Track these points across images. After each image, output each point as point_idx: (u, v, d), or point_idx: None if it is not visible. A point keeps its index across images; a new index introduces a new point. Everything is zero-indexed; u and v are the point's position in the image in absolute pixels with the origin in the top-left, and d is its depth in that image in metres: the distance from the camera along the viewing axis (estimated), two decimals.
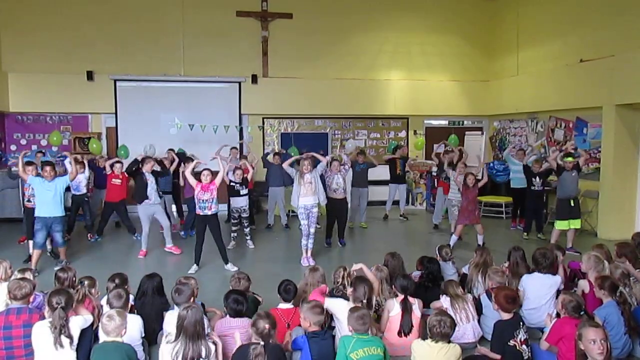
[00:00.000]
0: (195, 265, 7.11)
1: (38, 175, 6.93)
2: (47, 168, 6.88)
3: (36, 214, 6.90)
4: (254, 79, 11.96)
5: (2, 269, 4.85)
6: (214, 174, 7.10)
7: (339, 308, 4.26)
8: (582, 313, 4.27)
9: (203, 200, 6.99)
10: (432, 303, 4.94)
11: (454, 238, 8.04)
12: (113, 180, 8.65)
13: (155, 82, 11.65)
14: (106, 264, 7.29)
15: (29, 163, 7.08)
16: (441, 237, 9.00)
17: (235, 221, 8.48)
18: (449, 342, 3.79)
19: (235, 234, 8.50)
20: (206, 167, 7.42)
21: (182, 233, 9.21)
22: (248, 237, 8.57)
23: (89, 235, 8.92)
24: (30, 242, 7.19)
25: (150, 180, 7.91)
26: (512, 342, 4.04)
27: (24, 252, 7.56)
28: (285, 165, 7.74)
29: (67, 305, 3.83)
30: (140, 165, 8.04)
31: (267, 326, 3.65)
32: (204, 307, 4.83)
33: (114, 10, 11.43)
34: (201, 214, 7.04)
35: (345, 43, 12.41)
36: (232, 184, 8.29)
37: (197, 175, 7.19)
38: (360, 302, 4.40)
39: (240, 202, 8.36)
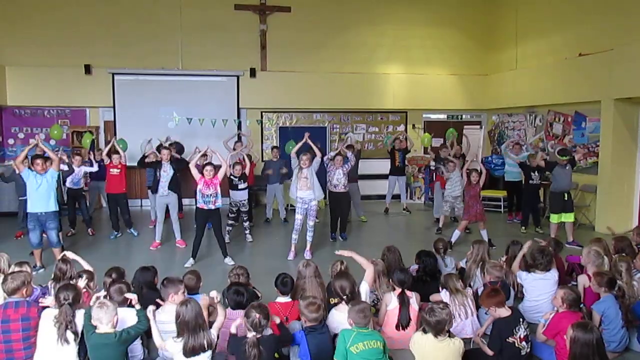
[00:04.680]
0: (191, 259, 7.11)
1: (30, 168, 6.76)
2: (38, 161, 6.61)
3: (28, 209, 6.71)
4: (252, 72, 11.92)
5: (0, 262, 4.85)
6: (217, 168, 7.11)
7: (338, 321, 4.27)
8: (581, 306, 4.29)
9: (207, 195, 7.00)
10: (432, 296, 4.94)
11: (456, 233, 8.04)
12: (111, 170, 8.55)
13: (153, 76, 11.62)
14: (108, 257, 7.26)
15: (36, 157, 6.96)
16: (442, 230, 9.02)
17: (233, 215, 8.46)
18: (450, 335, 3.80)
19: (231, 228, 8.46)
20: (208, 161, 7.42)
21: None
22: (247, 231, 8.58)
23: (89, 230, 8.89)
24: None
25: (165, 169, 7.91)
26: (511, 339, 4.03)
27: (23, 246, 7.54)
28: (293, 153, 7.71)
29: (74, 301, 3.84)
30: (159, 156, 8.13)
31: (257, 316, 3.68)
32: None
33: (112, 3, 11.38)
34: (205, 208, 7.03)
35: (343, 37, 12.37)
36: (231, 177, 8.30)
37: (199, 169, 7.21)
38: (340, 298, 4.39)
39: (239, 196, 8.35)
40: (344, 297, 4.35)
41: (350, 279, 4.49)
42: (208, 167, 7.08)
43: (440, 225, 9.16)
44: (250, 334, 3.69)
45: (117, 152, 8.68)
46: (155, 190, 8.02)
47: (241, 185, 8.33)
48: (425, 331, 3.82)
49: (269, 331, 3.84)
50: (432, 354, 3.75)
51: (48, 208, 6.68)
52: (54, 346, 3.73)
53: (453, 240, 7.88)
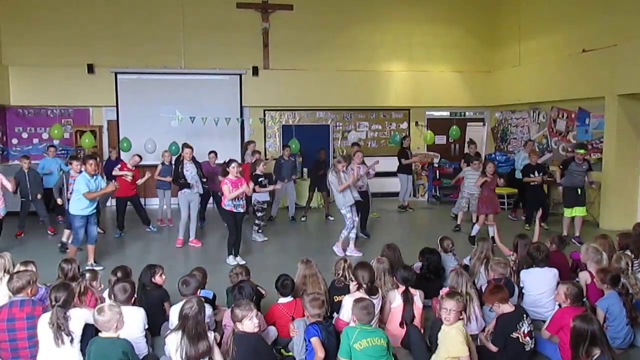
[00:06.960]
0: (231, 256, 7.13)
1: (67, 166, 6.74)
2: (92, 162, 6.61)
3: (79, 212, 6.64)
4: (255, 71, 11.92)
5: (4, 262, 4.86)
6: (242, 166, 7.12)
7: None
8: (584, 300, 4.27)
9: (238, 198, 7.00)
10: (442, 290, 4.97)
11: (476, 228, 8.05)
12: (123, 176, 8.55)
13: (156, 75, 11.63)
14: (113, 257, 7.32)
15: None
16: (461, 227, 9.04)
17: (261, 214, 8.41)
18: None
19: (259, 228, 8.45)
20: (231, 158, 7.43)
21: (200, 224, 9.16)
22: (257, 229, 8.53)
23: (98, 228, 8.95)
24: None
25: (188, 168, 7.92)
26: (515, 335, 4.02)
27: (23, 245, 7.54)
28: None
29: (66, 302, 3.79)
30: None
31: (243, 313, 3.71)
32: (215, 298, 4.84)
33: (114, 3, 11.39)
34: (234, 211, 7.04)
35: (346, 34, 12.35)
36: (259, 179, 8.10)
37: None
38: (361, 287, 4.42)
39: (265, 196, 8.35)
40: (364, 285, 4.43)
41: (369, 268, 4.58)
42: (234, 164, 7.04)
43: (459, 222, 9.11)
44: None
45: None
46: (187, 186, 7.95)
47: (268, 186, 8.27)
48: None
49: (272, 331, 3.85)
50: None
51: (94, 208, 6.85)
52: (53, 348, 3.71)
53: (474, 234, 7.88)
